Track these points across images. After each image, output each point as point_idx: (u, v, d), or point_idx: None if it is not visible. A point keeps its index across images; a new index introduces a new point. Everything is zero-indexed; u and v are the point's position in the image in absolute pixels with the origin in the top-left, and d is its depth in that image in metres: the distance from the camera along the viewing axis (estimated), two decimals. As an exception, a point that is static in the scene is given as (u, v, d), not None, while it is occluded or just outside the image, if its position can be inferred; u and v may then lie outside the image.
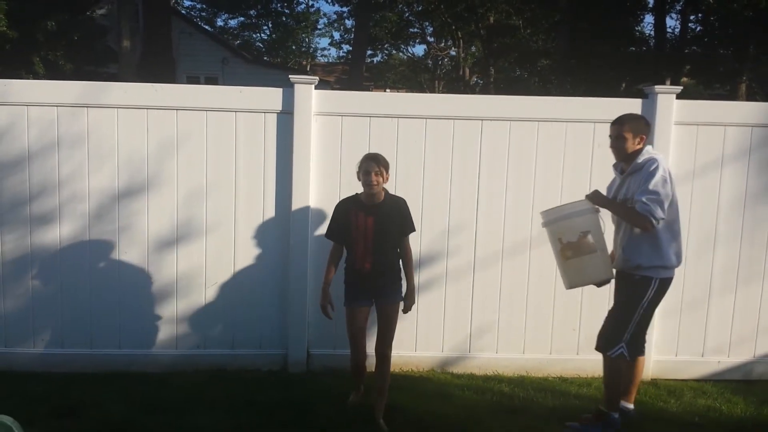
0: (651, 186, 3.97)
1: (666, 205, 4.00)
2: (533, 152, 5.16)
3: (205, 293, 5.19)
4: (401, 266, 4.44)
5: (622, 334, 4.20)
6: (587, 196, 4.27)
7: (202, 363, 5.18)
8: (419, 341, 5.33)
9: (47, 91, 5.00)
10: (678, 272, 5.21)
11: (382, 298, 4.34)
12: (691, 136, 5.22)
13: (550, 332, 5.35)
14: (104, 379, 4.93)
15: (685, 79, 20.78)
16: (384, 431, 4.25)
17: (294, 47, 41.76)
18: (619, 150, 4.21)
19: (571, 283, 4.33)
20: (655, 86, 5.19)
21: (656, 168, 4.00)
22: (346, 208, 4.37)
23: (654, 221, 3.97)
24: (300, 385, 4.93)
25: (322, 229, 5.10)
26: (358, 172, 4.33)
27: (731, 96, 19.20)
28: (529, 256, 5.22)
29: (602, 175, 5.19)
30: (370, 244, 4.26)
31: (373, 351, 4.43)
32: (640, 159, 4.11)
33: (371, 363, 4.49)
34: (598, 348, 4.35)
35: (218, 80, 22.42)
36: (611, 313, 4.36)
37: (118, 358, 5.13)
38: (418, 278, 5.20)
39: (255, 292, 5.22)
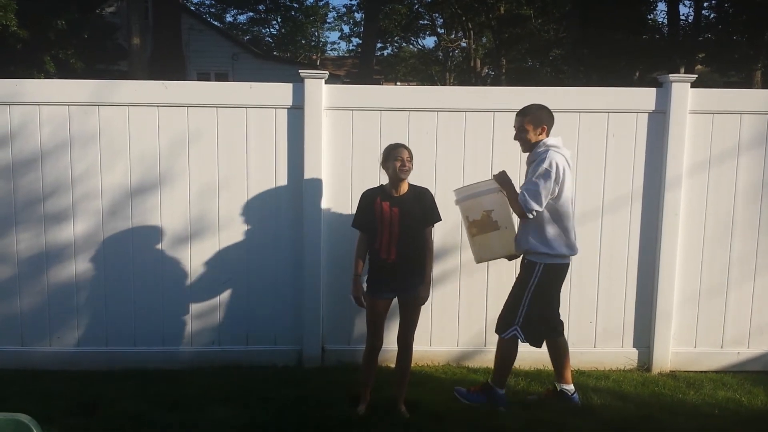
0: (534, 178, 4.17)
1: (544, 198, 4.15)
2: (547, 143, 5.11)
3: (219, 290, 5.19)
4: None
5: (515, 317, 4.35)
6: (494, 176, 4.43)
7: (217, 359, 5.19)
8: (434, 336, 5.30)
9: (59, 90, 5.02)
10: (695, 262, 5.23)
11: (406, 291, 4.31)
12: (706, 124, 5.16)
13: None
14: (120, 376, 4.95)
15: (699, 67, 20.54)
16: (405, 417, 4.27)
17: (303, 41, 41.80)
18: (522, 141, 4.39)
19: (477, 257, 4.62)
20: (670, 75, 5.13)
21: (542, 160, 4.16)
22: (372, 197, 4.35)
23: (527, 213, 4.15)
24: (315, 381, 4.91)
25: (335, 225, 5.11)
26: (384, 161, 4.30)
27: (746, 83, 18.98)
28: (543, 249, 5.18)
29: (617, 164, 5.17)
30: (396, 234, 4.23)
31: (390, 341, 4.44)
32: (537, 149, 4.27)
33: (383, 358, 4.47)
34: (495, 329, 4.51)
35: (228, 76, 22.45)
36: (509, 295, 4.50)
37: (133, 356, 5.15)
38: (433, 272, 5.17)
39: (269, 288, 5.21)
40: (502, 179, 4.38)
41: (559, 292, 4.47)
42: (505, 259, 4.60)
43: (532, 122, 4.29)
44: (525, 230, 4.31)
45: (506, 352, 4.45)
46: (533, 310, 4.33)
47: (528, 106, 4.36)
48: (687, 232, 5.22)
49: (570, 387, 4.59)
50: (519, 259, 4.55)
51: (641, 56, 18.43)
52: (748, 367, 5.33)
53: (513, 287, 4.48)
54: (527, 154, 4.39)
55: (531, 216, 4.18)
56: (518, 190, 4.30)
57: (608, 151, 5.16)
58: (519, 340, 4.38)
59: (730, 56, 18.15)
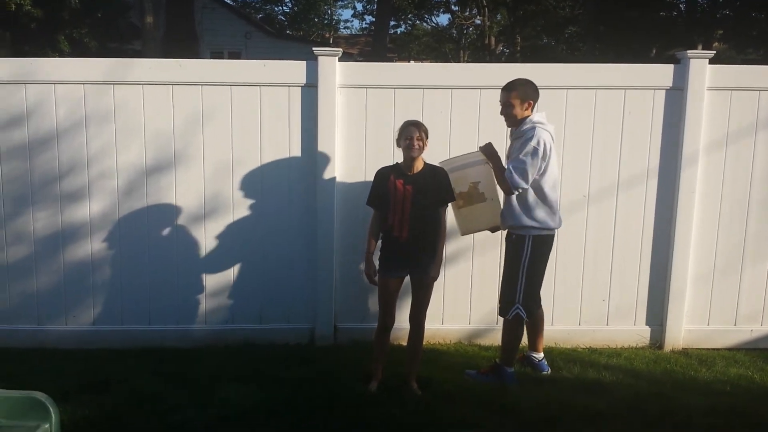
0: (522, 155, 4.18)
1: (531, 176, 4.19)
2: (562, 120, 5.07)
3: (234, 268, 5.23)
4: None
5: (515, 295, 4.39)
6: (480, 148, 4.42)
7: (231, 337, 5.24)
8: (446, 314, 5.32)
9: (74, 68, 5.03)
10: (710, 239, 5.21)
11: (418, 269, 4.32)
12: (724, 101, 5.10)
13: (579, 303, 5.31)
14: (135, 354, 5.00)
15: (717, 44, 20.23)
16: (416, 395, 4.30)
17: (316, 19, 41.43)
18: (508, 116, 4.37)
19: (463, 230, 4.72)
20: (688, 51, 5.07)
21: (530, 138, 4.18)
22: (386, 175, 4.35)
23: (514, 189, 4.20)
24: (327, 359, 4.95)
25: (349, 203, 5.11)
26: (397, 139, 4.32)
27: (765, 61, 18.68)
28: (557, 227, 5.16)
29: (632, 142, 5.13)
30: (408, 213, 4.24)
31: (402, 320, 4.45)
32: (524, 126, 4.26)
33: (394, 336, 4.49)
34: (498, 312, 4.57)
35: (241, 55, 22.39)
36: (503, 276, 4.54)
37: (148, 334, 5.21)
38: (446, 250, 5.17)
39: (282, 267, 5.24)
40: (488, 151, 4.39)
41: (546, 263, 4.49)
42: (489, 231, 4.67)
43: (519, 97, 4.28)
44: (510, 205, 4.34)
45: (513, 332, 4.49)
46: (530, 285, 4.39)
47: (514, 80, 4.34)
48: (703, 209, 5.18)
49: (539, 354, 4.73)
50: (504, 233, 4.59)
51: (658, 33, 18.16)
52: (761, 345, 5.32)
53: (505, 267, 4.52)
54: (511, 129, 4.42)
55: (517, 192, 4.24)
56: (504, 164, 4.35)
57: (624, 128, 5.12)
58: (523, 318, 4.42)
59: (748, 33, 17.85)
